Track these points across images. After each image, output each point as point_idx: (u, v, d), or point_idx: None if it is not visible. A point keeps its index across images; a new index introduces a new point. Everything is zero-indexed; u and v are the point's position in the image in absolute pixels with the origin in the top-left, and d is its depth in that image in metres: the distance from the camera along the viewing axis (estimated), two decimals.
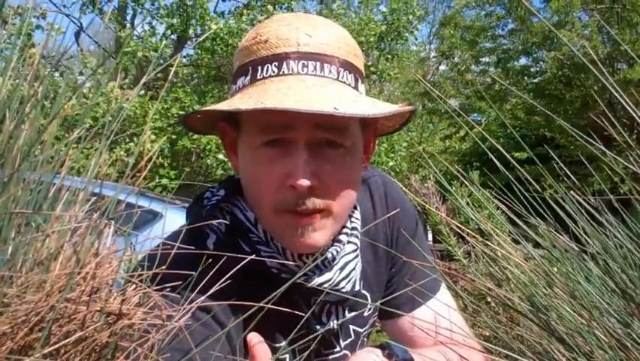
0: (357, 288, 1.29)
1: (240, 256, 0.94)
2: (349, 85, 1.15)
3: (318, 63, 1.12)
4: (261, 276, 1.16)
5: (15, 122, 0.78)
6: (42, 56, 0.96)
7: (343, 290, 1.24)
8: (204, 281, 0.86)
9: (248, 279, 1.02)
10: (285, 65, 1.11)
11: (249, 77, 1.13)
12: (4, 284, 0.71)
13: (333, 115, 1.03)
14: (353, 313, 1.31)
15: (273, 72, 1.11)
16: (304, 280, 1.18)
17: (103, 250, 0.76)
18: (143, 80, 0.98)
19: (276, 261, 1.18)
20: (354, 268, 1.28)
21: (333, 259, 1.23)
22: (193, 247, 0.93)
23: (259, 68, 1.12)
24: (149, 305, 0.77)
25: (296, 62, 1.11)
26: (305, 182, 1.09)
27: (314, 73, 1.11)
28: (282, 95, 1.06)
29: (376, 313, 1.41)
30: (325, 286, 1.21)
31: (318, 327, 1.24)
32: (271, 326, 1.19)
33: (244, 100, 1.09)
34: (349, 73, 1.15)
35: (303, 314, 0.99)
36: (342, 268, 1.25)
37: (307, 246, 1.15)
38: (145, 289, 0.77)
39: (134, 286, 0.78)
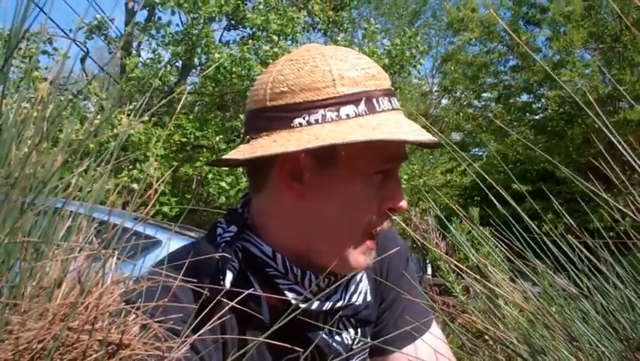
0: (368, 299, 1.31)
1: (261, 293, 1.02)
2: None
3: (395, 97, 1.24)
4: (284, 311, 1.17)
5: (29, 149, 0.79)
6: (48, 80, 0.98)
7: (357, 303, 1.27)
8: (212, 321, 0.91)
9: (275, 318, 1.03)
10: (393, 100, 1.21)
11: (363, 108, 1.16)
12: (7, 311, 0.72)
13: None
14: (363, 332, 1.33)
15: (388, 107, 1.19)
16: (318, 306, 1.21)
17: (106, 278, 0.77)
18: (149, 111, 1.00)
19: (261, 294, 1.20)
20: (360, 281, 1.30)
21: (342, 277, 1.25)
22: (208, 286, 1.02)
23: (374, 100, 1.17)
24: (149, 336, 0.78)
25: (394, 97, 1.22)
26: (406, 204, 1.24)
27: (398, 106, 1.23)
28: (414, 128, 1.17)
29: (366, 351, 1.40)
30: (339, 304, 1.24)
31: (334, 344, 1.25)
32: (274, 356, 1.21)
33: (381, 129, 1.13)
34: None
35: (297, 347, 1.01)
36: (347, 285, 1.27)
37: (367, 265, 1.24)
38: (145, 320, 0.78)
39: (134, 316, 0.78)
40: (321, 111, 1.15)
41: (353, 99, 1.16)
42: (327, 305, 1.22)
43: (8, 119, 0.87)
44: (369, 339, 1.35)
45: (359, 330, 1.31)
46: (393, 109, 1.20)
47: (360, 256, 1.22)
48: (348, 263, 1.21)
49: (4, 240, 0.72)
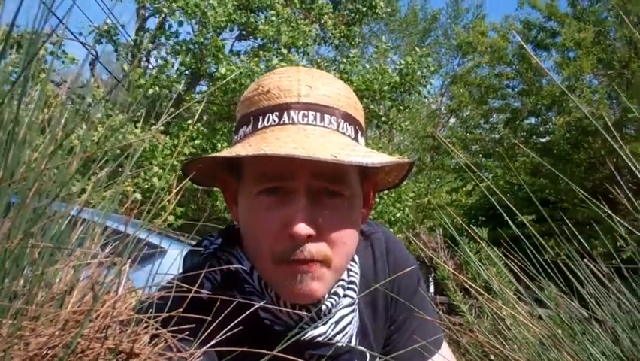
0: (352, 343, 1.25)
1: (231, 299, 0.97)
2: (349, 136, 1.16)
3: (319, 113, 1.13)
4: (254, 328, 1.13)
5: (42, 155, 0.79)
6: (56, 83, 0.98)
7: (338, 344, 1.21)
8: (204, 330, 0.88)
9: (242, 332, 0.97)
10: (285, 115, 1.12)
11: (250, 127, 1.14)
12: (19, 317, 0.72)
13: (332, 163, 1.04)
14: None
15: (274, 121, 1.12)
16: (297, 333, 1.14)
17: (119, 287, 0.77)
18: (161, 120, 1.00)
19: (268, 307, 1.16)
20: (350, 323, 1.24)
21: (329, 311, 1.20)
22: (187, 295, 0.94)
23: (260, 117, 1.13)
24: (159, 346, 0.78)
25: (297, 112, 1.12)
26: (303, 229, 1.07)
27: (314, 123, 1.12)
28: (282, 143, 1.06)
29: None
30: (319, 340, 1.18)
31: None
32: None
33: (245, 147, 1.09)
34: (349, 124, 1.16)
35: None
36: (337, 322, 1.22)
37: (304, 295, 1.13)
38: (157, 329, 0.78)
39: (145, 325, 0.78)
40: (235, 136, 1.20)
41: (245, 121, 1.17)
42: (308, 335, 1.18)
43: (23, 124, 0.87)
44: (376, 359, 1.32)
45: None
46: (284, 123, 1.12)
47: (285, 283, 1.13)
48: (283, 293, 1.15)
49: (18, 243, 0.72)
